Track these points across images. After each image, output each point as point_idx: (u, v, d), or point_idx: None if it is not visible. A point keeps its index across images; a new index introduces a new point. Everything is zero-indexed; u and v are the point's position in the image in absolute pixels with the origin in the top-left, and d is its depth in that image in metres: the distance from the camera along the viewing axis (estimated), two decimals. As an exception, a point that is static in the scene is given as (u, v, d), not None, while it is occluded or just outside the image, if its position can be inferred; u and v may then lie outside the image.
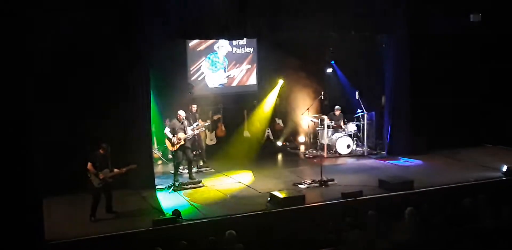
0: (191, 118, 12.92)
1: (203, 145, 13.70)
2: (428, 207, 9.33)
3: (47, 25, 10.29)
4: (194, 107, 13.22)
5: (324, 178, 11.77)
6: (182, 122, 12.24)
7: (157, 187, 11.81)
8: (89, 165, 9.91)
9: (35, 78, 8.98)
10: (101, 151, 10.01)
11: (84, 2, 10.79)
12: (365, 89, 15.16)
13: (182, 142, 12.16)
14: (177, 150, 12.12)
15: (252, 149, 14.63)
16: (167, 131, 12.36)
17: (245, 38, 14.05)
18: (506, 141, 14.77)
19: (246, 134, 15.01)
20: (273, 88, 15.44)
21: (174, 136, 11.99)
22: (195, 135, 12.82)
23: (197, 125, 12.85)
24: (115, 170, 10.09)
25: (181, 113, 12.29)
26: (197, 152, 13.63)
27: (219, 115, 13.88)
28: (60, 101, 11.17)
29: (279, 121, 15.45)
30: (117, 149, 11.01)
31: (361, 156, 14.38)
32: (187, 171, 12.48)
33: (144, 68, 11.61)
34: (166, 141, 12.56)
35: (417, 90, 14.18)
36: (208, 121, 13.32)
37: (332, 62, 15.82)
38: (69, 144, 11.22)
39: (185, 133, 12.22)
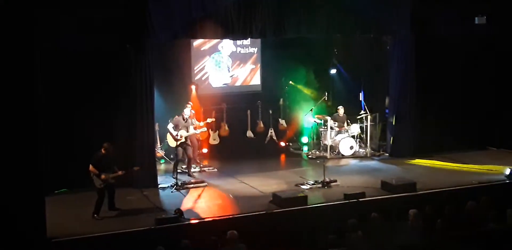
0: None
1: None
2: (431, 209, 9.30)
3: (52, 24, 10.31)
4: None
5: (327, 179, 11.75)
6: (186, 121, 12.30)
7: (159, 186, 11.82)
8: (91, 166, 9.89)
9: (41, 76, 9.00)
10: (103, 151, 9.95)
11: (89, 2, 10.78)
12: (369, 90, 15.12)
13: (183, 140, 12.23)
14: (178, 147, 12.24)
15: (255, 149, 14.62)
16: (170, 126, 12.38)
17: (249, 38, 14.02)
18: (510, 144, 14.68)
19: (249, 134, 14.98)
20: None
21: (176, 134, 12.07)
22: (197, 134, 12.84)
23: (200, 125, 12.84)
24: (119, 171, 10.05)
25: (186, 111, 12.34)
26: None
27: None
28: (64, 100, 11.20)
29: (283, 121, 15.39)
30: (121, 148, 11.03)
31: (364, 157, 14.34)
32: (187, 169, 12.54)
33: (149, 68, 11.60)
34: (168, 136, 12.57)
35: (422, 91, 14.13)
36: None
37: (338, 64, 15.79)
38: (72, 142, 11.27)
39: (187, 131, 12.25)
